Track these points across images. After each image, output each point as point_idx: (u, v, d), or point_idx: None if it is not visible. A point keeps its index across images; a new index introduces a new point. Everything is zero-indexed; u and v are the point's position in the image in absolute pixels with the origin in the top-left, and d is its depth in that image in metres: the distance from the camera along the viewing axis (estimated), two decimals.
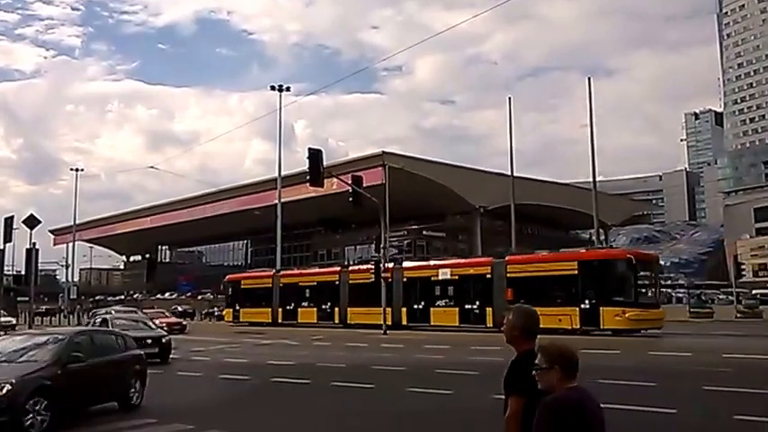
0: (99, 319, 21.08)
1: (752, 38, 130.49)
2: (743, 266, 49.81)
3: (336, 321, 35.42)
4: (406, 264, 36.60)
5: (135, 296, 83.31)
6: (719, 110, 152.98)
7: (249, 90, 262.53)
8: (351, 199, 28.46)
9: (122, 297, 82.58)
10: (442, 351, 20.48)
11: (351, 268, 39.93)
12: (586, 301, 25.53)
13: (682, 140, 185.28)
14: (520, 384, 3.24)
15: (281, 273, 42.68)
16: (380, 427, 9.47)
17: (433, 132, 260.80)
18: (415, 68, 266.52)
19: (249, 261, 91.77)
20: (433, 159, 72.13)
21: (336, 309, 36.23)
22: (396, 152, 66.50)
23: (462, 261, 33.67)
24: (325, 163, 28.22)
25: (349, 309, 35.29)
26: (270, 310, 39.54)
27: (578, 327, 25.25)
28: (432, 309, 31.70)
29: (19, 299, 45.12)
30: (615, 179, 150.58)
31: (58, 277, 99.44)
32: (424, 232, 73.56)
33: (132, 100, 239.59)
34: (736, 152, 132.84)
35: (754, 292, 52.41)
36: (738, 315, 36.28)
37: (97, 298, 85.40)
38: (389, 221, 37.68)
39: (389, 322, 30.38)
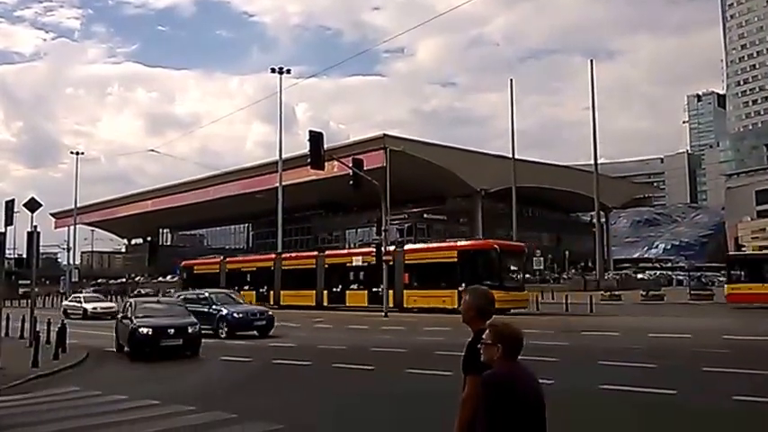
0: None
1: (755, 19, 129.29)
2: (743, 249, 49.59)
3: (271, 303, 36.86)
4: (327, 252, 41.40)
5: (136, 279, 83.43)
6: (722, 92, 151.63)
7: (250, 72, 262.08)
8: (351, 182, 28.44)
9: (124, 280, 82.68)
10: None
11: (284, 255, 43.88)
12: (463, 285, 26.48)
13: (684, 123, 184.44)
14: (477, 364, 3.25)
15: (227, 259, 47.00)
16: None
17: (435, 115, 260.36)
18: (417, 50, 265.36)
19: (251, 244, 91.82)
20: (434, 142, 71.98)
21: (271, 292, 39.80)
22: (397, 135, 66.32)
23: (369, 250, 36.08)
24: (325, 146, 28.12)
25: (282, 292, 39.50)
26: None
27: (456, 307, 25.64)
28: (347, 291, 36.01)
29: (20, 282, 45.29)
30: (617, 161, 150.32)
31: (59, 260, 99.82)
32: (425, 215, 73.48)
33: (132, 82, 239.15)
34: (738, 134, 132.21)
35: None
36: None
37: (99, 281, 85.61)
38: (390, 204, 37.70)
39: (313, 303, 36.69)
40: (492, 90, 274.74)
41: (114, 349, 17.52)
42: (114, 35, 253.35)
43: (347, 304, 35.57)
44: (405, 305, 31.71)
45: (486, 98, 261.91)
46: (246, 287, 40.11)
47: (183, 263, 50.75)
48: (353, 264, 36.40)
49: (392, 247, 33.63)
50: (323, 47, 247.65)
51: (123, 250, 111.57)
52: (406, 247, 35.78)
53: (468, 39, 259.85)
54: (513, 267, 31.09)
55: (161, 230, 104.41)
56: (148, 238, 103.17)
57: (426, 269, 31.88)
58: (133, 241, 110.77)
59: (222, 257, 48.08)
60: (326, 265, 37.81)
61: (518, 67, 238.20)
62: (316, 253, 40.90)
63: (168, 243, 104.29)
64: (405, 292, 32.19)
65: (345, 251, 43.35)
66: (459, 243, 33.77)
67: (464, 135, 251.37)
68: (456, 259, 30.65)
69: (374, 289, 33.16)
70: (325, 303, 36.72)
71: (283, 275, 40.01)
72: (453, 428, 3.33)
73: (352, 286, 35.89)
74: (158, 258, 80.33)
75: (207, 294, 22.85)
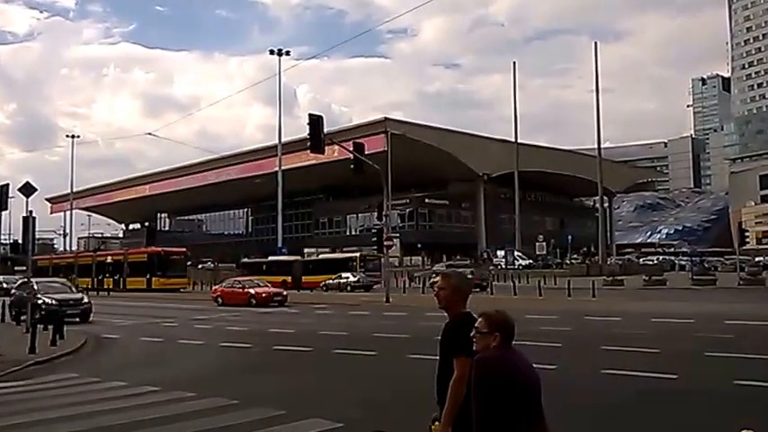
0: None
1: (761, 1, 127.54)
2: (747, 233, 49.10)
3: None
4: (100, 252, 60.88)
5: None
6: (727, 75, 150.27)
7: (250, 54, 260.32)
8: (352, 166, 27.82)
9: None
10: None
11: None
12: (148, 275, 46.20)
13: (688, 106, 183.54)
14: (468, 346, 3.22)
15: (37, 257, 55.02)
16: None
17: (438, 97, 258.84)
18: (421, 30, 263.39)
19: (250, 230, 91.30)
20: (436, 125, 71.57)
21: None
22: (398, 118, 65.77)
23: (112, 252, 58.40)
24: (326, 129, 27.66)
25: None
26: None
27: (146, 286, 45.22)
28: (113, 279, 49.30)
29: (16, 268, 44.73)
30: (621, 146, 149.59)
31: (56, 246, 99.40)
32: (427, 200, 73.10)
33: (129, 64, 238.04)
34: (742, 118, 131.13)
35: (757, 259, 51.87)
36: (741, 282, 35.39)
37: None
38: (392, 189, 37.25)
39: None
40: (497, 72, 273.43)
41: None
42: (111, 15, 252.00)
43: (126, 288, 47.38)
44: (126, 287, 46.87)
45: (490, 80, 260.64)
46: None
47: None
48: (107, 260, 52.49)
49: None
50: (325, 27, 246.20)
51: (121, 235, 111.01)
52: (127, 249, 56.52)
53: (472, 19, 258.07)
54: (175, 264, 47.24)
55: (159, 215, 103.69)
56: (146, 224, 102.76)
57: (135, 264, 48.48)
58: (131, 226, 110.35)
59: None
60: (98, 261, 53.60)
61: (523, 49, 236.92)
62: (92, 253, 61.72)
63: (166, 228, 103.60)
64: (127, 279, 48.22)
65: (106, 252, 61.61)
66: (145, 248, 55.66)
67: (468, 118, 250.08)
68: (146, 258, 48.15)
69: (116, 276, 49.44)
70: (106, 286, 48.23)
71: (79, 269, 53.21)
72: (444, 412, 3.35)
73: (107, 276, 50.04)
74: (156, 244, 79.94)
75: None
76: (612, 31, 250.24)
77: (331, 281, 41.02)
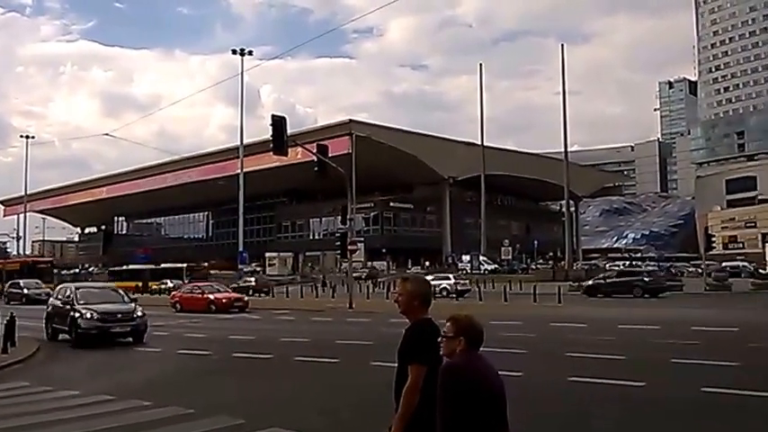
0: None
1: (727, 5, 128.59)
2: (713, 239, 49.19)
3: None
4: None
5: (90, 269, 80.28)
6: (694, 79, 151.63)
7: (212, 52, 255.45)
8: (316, 169, 26.99)
9: (77, 270, 79.39)
10: None
11: None
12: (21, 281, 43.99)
13: (655, 110, 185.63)
14: (423, 353, 3.28)
15: None
16: None
17: (405, 98, 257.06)
18: (387, 30, 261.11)
19: (211, 233, 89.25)
20: (402, 128, 71.16)
21: None
22: (363, 120, 64.89)
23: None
24: (290, 131, 26.86)
25: None
26: None
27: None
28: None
29: None
30: (587, 149, 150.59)
31: (9, 250, 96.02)
32: (392, 203, 72.26)
33: (88, 62, 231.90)
34: (709, 122, 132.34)
35: (723, 264, 52.12)
36: (708, 288, 36.08)
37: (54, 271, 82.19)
38: (356, 192, 36.47)
39: None
40: (465, 73, 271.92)
41: (46, 338, 17.47)
42: (69, 11, 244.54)
43: None
44: None
45: (458, 81, 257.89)
46: None
47: None
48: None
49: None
50: (289, 25, 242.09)
51: (76, 239, 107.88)
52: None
53: (440, 19, 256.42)
54: (42, 272, 48.66)
55: (116, 218, 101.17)
56: (103, 227, 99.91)
57: (9, 273, 48.19)
58: (87, 230, 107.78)
59: None
60: None
61: (491, 50, 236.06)
62: None
63: (124, 232, 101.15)
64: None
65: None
66: (17, 260, 59.64)
67: (436, 120, 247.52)
68: (18, 267, 50.95)
69: None
70: None
71: None
72: (394, 419, 3.31)
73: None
74: (113, 247, 77.75)
75: None
76: (580, 33, 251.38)
77: (156, 286, 48.11)
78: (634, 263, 73.44)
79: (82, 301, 16.58)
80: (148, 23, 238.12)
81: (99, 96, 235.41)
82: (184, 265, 52.82)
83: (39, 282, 41.44)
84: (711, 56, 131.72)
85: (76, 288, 18.27)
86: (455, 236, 71.37)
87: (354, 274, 49.31)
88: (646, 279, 34.12)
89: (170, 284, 45.58)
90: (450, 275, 41.40)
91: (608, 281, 35.16)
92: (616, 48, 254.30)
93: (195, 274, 50.24)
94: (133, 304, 17.37)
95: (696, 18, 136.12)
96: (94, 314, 16.05)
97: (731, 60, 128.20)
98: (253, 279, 46.24)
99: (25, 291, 38.21)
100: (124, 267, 58.65)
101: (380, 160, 58.39)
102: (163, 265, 56.30)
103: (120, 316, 16.41)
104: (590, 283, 35.98)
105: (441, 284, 38.47)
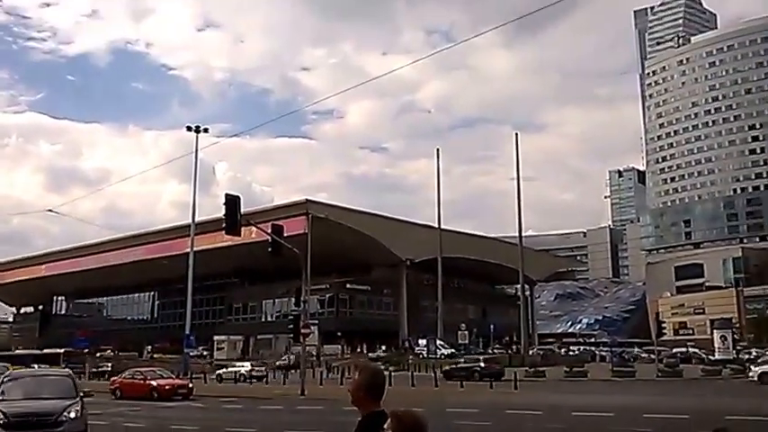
0: None
1: (672, 99, 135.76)
2: (664, 324, 49.51)
3: None
4: None
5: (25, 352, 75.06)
6: (642, 168, 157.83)
7: (168, 128, 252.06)
8: (270, 249, 25.86)
9: (10, 353, 74.12)
10: None
11: None
12: None
13: (606, 197, 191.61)
14: None
15: None
16: None
17: (364, 180, 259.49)
18: (348, 113, 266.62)
19: (156, 315, 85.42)
20: (360, 209, 70.77)
21: None
22: (320, 200, 64.37)
23: None
24: (244, 209, 26.11)
25: None
26: None
27: None
28: None
29: None
30: (541, 234, 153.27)
31: None
32: (348, 285, 70.82)
33: (34, 134, 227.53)
34: (657, 210, 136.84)
35: (674, 350, 52.28)
36: (659, 374, 36.40)
37: None
38: (312, 273, 35.46)
39: None
40: (423, 156, 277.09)
41: None
42: (18, 82, 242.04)
43: None
44: None
45: (417, 165, 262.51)
46: None
47: None
48: None
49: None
50: (248, 105, 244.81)
51: (11, 320, 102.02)
52: None
53: (399, 104, 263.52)
54: None
55: (55, 298, 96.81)
56: (40, 307, 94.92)
57: None
58: (23, 310, 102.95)
59: None
60: None
61: (449, 135, 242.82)
62: None
63: (63, 312, 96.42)
64: None
65: None
66: None
67: (394, 202, 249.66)
68: None
69: None
70: None
71: None
72: None
73: None
74: (51, 329, 73.97)
75: None
76: (534, 122, 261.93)
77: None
78: (588, 348, 73.20)
79: (5, 396, 12.56)
80: (101, 97, 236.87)
81: (44, 170, 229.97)
82: (62, 350, 50.99)
83: None
84: (658, 147, 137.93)
85: (7, 378, 14.00)
86: (412, 319, 70.01)
87: (278, 362, 49.74)
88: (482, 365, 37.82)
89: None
90: (247, 362, 46.22)
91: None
92: (568, 137, 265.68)
93: (73, 359, 48.00)
94: (67, 402, 12.61)
95: (643, 110, 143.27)
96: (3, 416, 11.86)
97: (676, 152, 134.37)
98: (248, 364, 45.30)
99: None
100: (7, 353, 57.37)
101: (338, 241, 57.24)
102: (45, 351, 55.18)
103: (35, 420, 11.97)
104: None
105: (238, 370, 43.41)
